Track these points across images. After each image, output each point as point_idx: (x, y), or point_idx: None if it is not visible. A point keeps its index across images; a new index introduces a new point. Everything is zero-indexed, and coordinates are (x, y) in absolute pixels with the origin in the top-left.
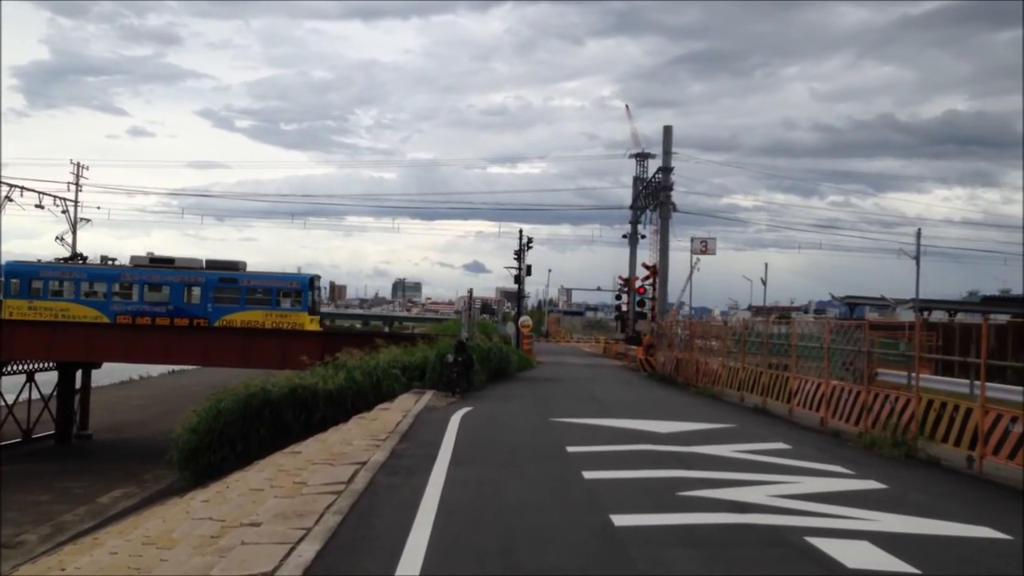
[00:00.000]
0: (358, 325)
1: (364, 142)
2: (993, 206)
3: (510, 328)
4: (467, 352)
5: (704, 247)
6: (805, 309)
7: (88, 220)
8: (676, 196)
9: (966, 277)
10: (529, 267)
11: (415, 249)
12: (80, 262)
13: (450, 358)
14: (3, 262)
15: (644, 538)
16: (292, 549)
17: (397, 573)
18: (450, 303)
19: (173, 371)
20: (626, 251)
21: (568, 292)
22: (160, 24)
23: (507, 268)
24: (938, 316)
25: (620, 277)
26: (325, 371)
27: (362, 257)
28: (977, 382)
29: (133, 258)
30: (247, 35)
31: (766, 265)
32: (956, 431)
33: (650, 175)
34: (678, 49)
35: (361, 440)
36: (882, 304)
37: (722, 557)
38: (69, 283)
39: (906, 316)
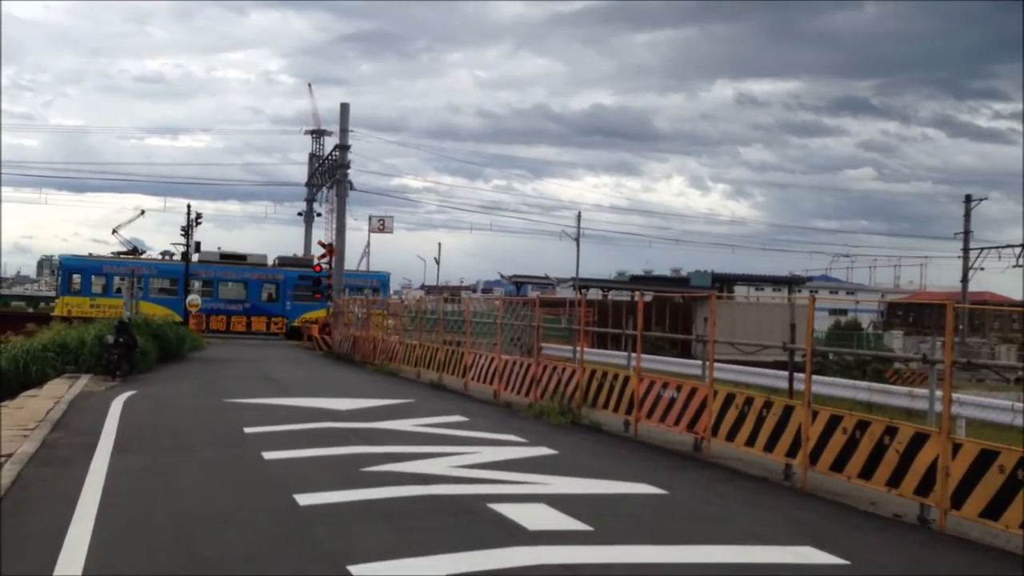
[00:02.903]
0: None
1: None
2: (635, 194)
3: None
4: (129, 332)
5: (382, 225)
6: (474, 288)
7: None
8: (351, 175)
9: (615, 258)
10: (198, 244)
11: (64, 223)
12: (137, 256)
13: (110, 339)
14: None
15: (330, 515)
16: None
17: (56, 574)
18: None
19: None
20: (300, 229)
21: None
22: None
23: (173, 245)
24: (594, 294)
25: (295, 255)
26: None
27: None
28: (635, 353)
29: (201, 253)
30: None
31: (439, 245)
32: (615, 398)
33: (326, 153)
34: (346, 27)
35: (4, 431)
36: (545, 283)
37: (410, 528)
38: (136, 279)
39: (565, 293)
